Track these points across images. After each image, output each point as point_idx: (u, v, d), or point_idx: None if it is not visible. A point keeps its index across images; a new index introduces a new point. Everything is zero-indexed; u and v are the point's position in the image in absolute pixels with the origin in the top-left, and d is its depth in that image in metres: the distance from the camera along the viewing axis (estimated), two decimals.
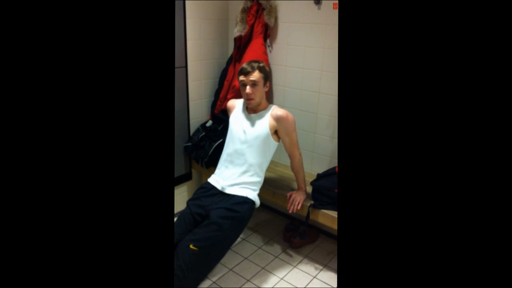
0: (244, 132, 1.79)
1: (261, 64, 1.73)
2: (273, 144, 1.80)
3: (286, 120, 1.74)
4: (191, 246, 1.52)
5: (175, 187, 2.37)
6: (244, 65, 1.72)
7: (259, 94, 1.72)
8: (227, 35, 2.39)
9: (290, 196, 1.87)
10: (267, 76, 1.75)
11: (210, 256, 1.62)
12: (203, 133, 2.25)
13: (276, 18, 2.12)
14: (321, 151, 2.16)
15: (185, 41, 2.12)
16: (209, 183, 1.85)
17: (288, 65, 2.18)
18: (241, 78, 1.71)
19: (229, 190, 1.77)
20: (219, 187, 1.80)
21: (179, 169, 2.35)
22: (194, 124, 2.35)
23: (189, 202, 1.80)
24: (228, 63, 2.30)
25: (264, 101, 1.80)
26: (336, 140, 2.07)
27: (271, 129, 1.75)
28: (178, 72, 2.13)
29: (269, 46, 2.20)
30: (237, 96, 2.12)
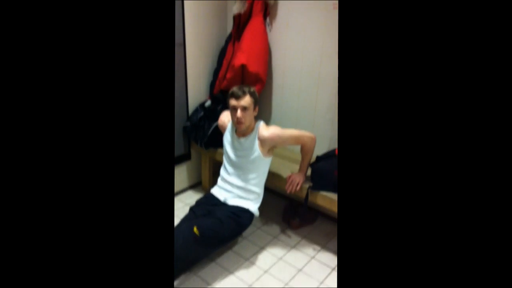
0: (236, 156, 1.84)
1: (251, 89, 1.73)
2: (266, 162, 1.84)
3: (274, 137, 1.75)
4: (194, 229, 1.60)
5: (174, 167, 2.37)
6: (235, 89, 1.71)
7: (249, 119, 1.73)
8: (226, 13, 2.33)
9: (290, 177, 1.88)
10: (256, 100, 1.76)
11: (207, 245, 1.70)
12: (202, 113, 2.23)
13: None
14: (320, 133, 2.14)
15: (183, 18, 2.06)
16: (211, 194, 1.92)
17: (288, 45, 2.13)
18: (232, 102, 1.70)
19: (231, 202, 1.84)
20: (221, 198, 1.87)
21: (178, 149, 2.35)
22: (193, 104, 2.33)
23: (193, 207, 1.87)
24: (227, 41, 2.25)
25: (252, 123, 1.79)
26: (336, 122, 2.05)
27: (262, 152, 1.77)
28: (176, 51, 2.09)
29: (268, 25, 2.14)
30: (236, 76, 2.09)
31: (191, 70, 2.23)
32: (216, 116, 2.15)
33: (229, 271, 1.79)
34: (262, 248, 1.98)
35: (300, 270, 1.83)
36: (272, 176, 2.00)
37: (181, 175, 2.47)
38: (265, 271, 1.81)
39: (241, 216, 1.76)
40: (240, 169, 1.83)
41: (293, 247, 2.00)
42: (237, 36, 2.17)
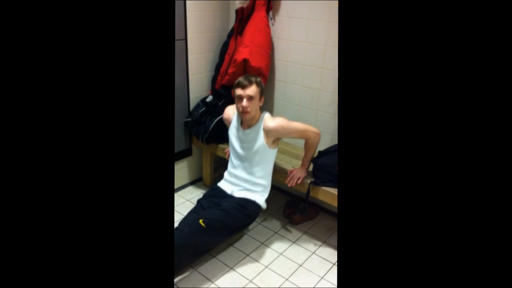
0: (242, 148, 1.83)
1: (258, 79, 1.73)
2: (272, 153, 1.83)
3: (279, 129, 1.74)
4: (200, 221, 1.60)
5: (175, 163, 2.37)
6: (241, 78, 1.71)
7: (255, 108, 1.72)
8: (229, 7, 2.31)
9: (291, 171, 1.88)
10: (262, 90, 1.76)
11: (213, 236, 1.69)
12: (204, 109, 2.22)
13: None
14: (323, 128, 2.13)
15: (184, 12, 2.05)
16: (218, 187, 1.92)
17: (291, 39, 2.11)
18: (238, 92, 1.70)
19: (238, 194, 1.83)
20: (228, 191, 1.87)
21: (179, 144, 2.33)
22: (194, 99, 2.31)
23: (200, 200, 1.87)
24: (229, 36, 2.24)
25: (257, 113, 1.78)
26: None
27: (267, 143, 1.76)
28: (177, 45, 2.08)
29: (271, 19, 2.13)
30: (238, 70, 2.07)
31: (192, 65, 2.22)
32: (218, 111, 2.14)
33: (229, 266, 1.79)
34: (263, 244, 1.97)
35: (300, 265, 1.82)
36: (273, 171, 1.99)
37: (182, 170, 2.46)
38: (266, 267, 1.80)
39: (247, 208, 1.75)
40: (246, 161, 1.82)
41: (294, 242, 2.00)
42: (240, 30, 2.16)
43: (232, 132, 1.89)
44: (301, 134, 1.80)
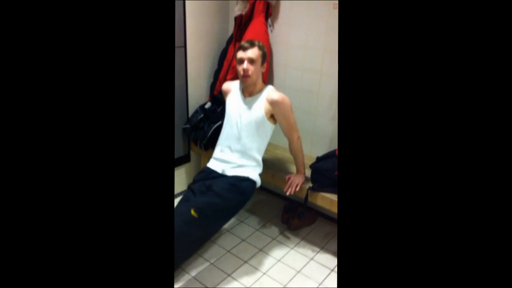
0: (240, 116, 1.77)
1: (260, 43, 1.70)
2: (270, 127, 1.79)
3: (282, 104, 1.71)
4: (192, 212, 1.54)
5: (174, 169, 2.36)
6: (243, 42, 1.69)
7: (256, 72, 1.68)
8: (228, 14, 2.33)
9: (289, 178, 1.87)
10: (265, 55, 1.72)
11: (208, 224, 1.64)
12: (202, 115, 2.22)
13: None
14: (321, 134, 2.13)
15: (184, 19, 2.06)
16: (208, 168, 1.84)
17: (290, 45, 2.13)
18: (240, 54, 1.66)
19: (230, 172, 1.77)
20: (219, 170, 1.79)
21: (177, 150, 2.33)
22: (193, 105, 2.32)
23: (191, 186, 1.78)
24: (228, 42, 2.25)
25: (260, 82, 1.76)
26: (336, 122, 2.04)
27: (266, 113, 1.72)
28: (176, 52, 2.09)
29: (270, 26, 2.15)
30: (237, 77, 2.08)
31: (191, 71, 2.23)
32: (216, 118, 2.14)
33: (227, 273, 1.77)
34: (261, 250, 1.96)
35: (299, 271, 1.81)
36: (271, 177, 1.99)
37: (180, 177, 2.45)
38: (264, 273, 1.79)
39: (241, 186, 1.69)
40: (243, 131, 1.76)
41: (292, 248, 1.99)
42: (238, 37, 2.17)
43: (231, 100, 1.83)
44: (290, 126, 1.78)
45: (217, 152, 1.87)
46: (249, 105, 1.75)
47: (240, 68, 1.67)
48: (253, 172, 1.78)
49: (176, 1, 1.97)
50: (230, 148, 1.80)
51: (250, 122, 1.75)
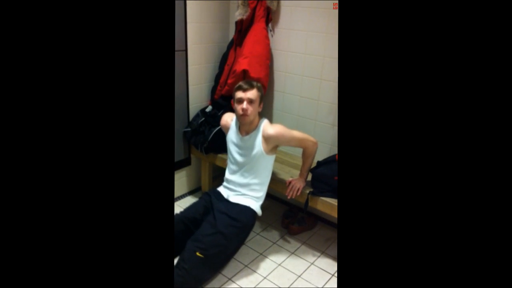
0: (240, 155, 1.83)
1: (258, 84, 1.76)
2: (270, 159, 1.83)
3: (280, 135, 1.75)
4: (197, 254, 1.58)
5: (174, 172, 2.37)
6: (242, 82, 1.74)
7: (254, 112, 1.73)
8: (228, 19, 2.34)
9: (290, 182, 1.87)
10: (262, 96, 1.78)
11: (215, 262, 1.70)
12: (203, 119, 2.23)
13: (278, 2, 2.07)
14: (321, 139, 2.14)
15: (185, 23, 2.07)
16: (218, 191, 1.94)
17: (290, 50, 2.14)
18: (239, 94, 1.71)
19: (233, 199, 1.84)
20: (225, 195, 1.88)
21: (178, 154, 2.34)
22: (194, 109, 2.33)
23: (203, 196, 1.92)
24: (229, 47, 2.26)
25: (256, 120, 1.80)
26: (337, 128, 2.05)
27: (265, 149, 1.77)
28: (177, 56, 2.10)
29: (270, 31, 2.16)
30: (237, 81, 2.09)
31: (192, 75, 2.24)
32: (217, 122, 2.14)
33: (227, 277, 1.77)
34: (261, 254, 1.96)
35: (299, 276, 1.81)
36: (271, 181, 1.99)
37: (180, 180, 2.46)
38: (264, 277, 1.79)
39: (242, 220, 1.73)
40: (243, 167, 1.82)
41: (293, 253, 1.98)
42: (239, 41, 2.18)
43: (230, 138, 1.89)
44: (299, 142, 1.81)
45: (225, 180, 1.95)
46: (247, 144, 1.80)
47: (239, 108, 1.72)
48: (255, 203, 1.84)
49: (177, 6, 1.98)
50: (235, 179, 1.87)
51: (250, 160, 1.80)
